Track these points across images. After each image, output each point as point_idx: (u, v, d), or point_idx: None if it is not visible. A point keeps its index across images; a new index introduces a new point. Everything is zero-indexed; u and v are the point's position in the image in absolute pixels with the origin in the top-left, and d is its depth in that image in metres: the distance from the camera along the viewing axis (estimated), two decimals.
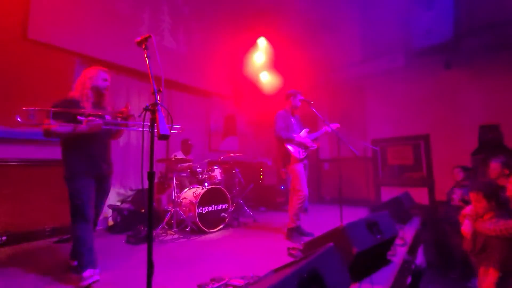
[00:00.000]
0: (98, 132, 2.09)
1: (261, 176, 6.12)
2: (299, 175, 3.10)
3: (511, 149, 4.21)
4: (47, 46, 3.64)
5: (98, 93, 2.23)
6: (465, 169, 4.09)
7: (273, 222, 4.10)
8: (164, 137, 1.13)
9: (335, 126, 3.29)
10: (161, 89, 1.25)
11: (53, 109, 1.97)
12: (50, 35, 3.64)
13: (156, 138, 1.20)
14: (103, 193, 2.31)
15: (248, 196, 5.17)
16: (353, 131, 5.89)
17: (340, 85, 6.25)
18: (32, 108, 1.91)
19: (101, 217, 3.88)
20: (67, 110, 2.01)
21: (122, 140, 4.38)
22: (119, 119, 2.22)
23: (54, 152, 2.90)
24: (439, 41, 4.42)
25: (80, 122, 2.00)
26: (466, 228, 2.42)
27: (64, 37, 3.76)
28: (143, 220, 3.66)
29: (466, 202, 3.75)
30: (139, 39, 1.46)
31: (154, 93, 1.24)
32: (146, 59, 1.40)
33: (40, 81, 3.53)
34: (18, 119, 1.91)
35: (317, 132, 3.40)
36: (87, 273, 1.99)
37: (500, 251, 2.09)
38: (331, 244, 1.48)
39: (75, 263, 2.17)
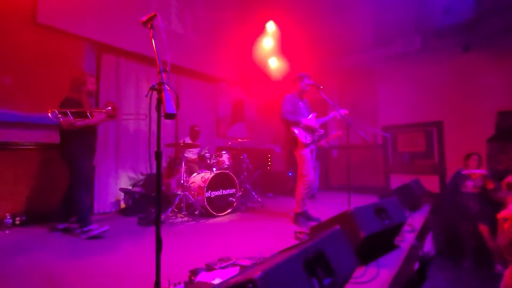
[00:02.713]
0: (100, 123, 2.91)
1: (269, 163, 6.14)
2: (305, 160, 3.08)
3: None
4: (57, 31, 3.64)
5: (90, 95, 2.98)
6: (479, 156, 3.96)
7: (281, 208, 4.13)
8: (170, 116, 1.12)
9: (343, 112, 3.22)
10: (167, 69, 1.24)
11: (73, 109, 2.68)
12: (60, 19, 3.63)
13: (163, 118, 1.19)
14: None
15: (256, 182, 5.21)
16: (364, 117, 5.76)
17: (351, 70, 6.07)
18: (56, 110, 2.63)
19: (113, 200, 4.04)
20: (82, 109, 2.78)
21: (132, 127, 4.44)
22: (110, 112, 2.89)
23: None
24: (459, 21, 4.17)
25: (87, 117, 2.78)
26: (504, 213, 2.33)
27: (73, 22, 3.75)
28: (154, 203, 3.76)
29: (478, 188, 3.67)
30: (144, 18, 1.44)
31: (160, 72, 1.23)
32: (152, 38, 1.37)
33: (50, 66, 3.57)
34: (50, 115, 2.57)
35: (325, 117, 3.34)
36: (94, 225, 2.69)
37: None
38: (337, 226, 1.48)
39: (60, 226, 2.89)
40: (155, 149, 1.31)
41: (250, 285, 0.86)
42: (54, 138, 3.56)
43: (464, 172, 3.55)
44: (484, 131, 4.40)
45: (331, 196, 5.16)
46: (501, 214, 2.45)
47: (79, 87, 2.87)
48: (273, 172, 5.90)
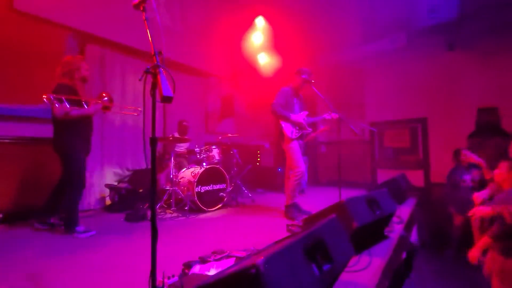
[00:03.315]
0: (96, 114, 2.69)
1: (259, 159, 6.13)
2: (293, 152, 3.09)
3: (508, 132, 4.25)
4: (36, 19, 3.44)
5: (83, 82, 2.74)
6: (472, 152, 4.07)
7: (272, 203, 4.13)
8: (167, 99, 1.07)
9: (335, 115, 3.23)
10: (162, 52, 1.19)
11: (68, 96, 2.46)
12: (39, 6, 3.43)
13: (158, 104, 1.14)
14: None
15: (245, 178, 5.18)
16: (352, 114, 5.86)
17: (340, 67, 6.15)
18: (52, 95, 2.37)
19: (98, 197, 3.89)
20: (78, 97, 2.56)
21: (118, 121, 4.28)
22: (106, 103, 2.71)
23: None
24: (443, 20, 4.32)
25: (82, 106, 2.54)
26: (479, 194, 2.44)
27: (54, 9, 3.55)
28: (141, 199, 3.66)
29: (475, 182, 3.80)
30: (136, 1, 1.37)
31: (154, 55, 1.17)
32: (145, 21, 1.31)
33: (28, 57, 3.37)
34: (45, 100, 2.34)
35: (316, 117, 3.34)
36: (81, 227, 2.53)
37: (499, 221, 2.13)
38: (334, 215, 1.48)
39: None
40: (147, 142, 1.25)
41: (253, 270, 0.84)
42: (33, 131, 3.39)
43: (464, 154, 3.58)
44: (466, 127, 4.60)
45: (320, 191, 5.22)
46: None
47: (72, 72, 2.60)
48: (262, 168, 5.90)
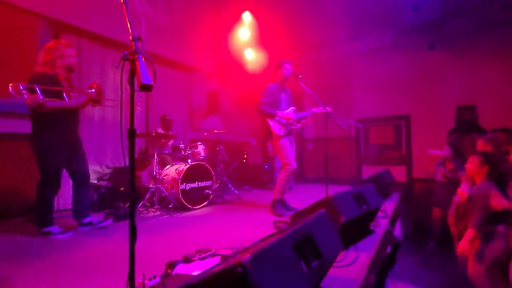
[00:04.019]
0: (78, 107, 2.42)
1: (245, 156, 6.06)
2: (283, 149, 3.06)
3: (485, 129, 4.42)
4: (5, 4, 3.19)
5: (69, 70, 2.45)
6: (454, 148, 4.18)
7: (258, 200, 4.09)
8: (146, 88, 0.99)
9: (328, 108, 3.20)
10: (142, 38, 1.09)
11: (43, 86, 2.18)
12: None
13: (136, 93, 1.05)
14: (80, 158, 2.58)
15: (232, 175, 5.11)
16: (338, 111, 5.90)
17: (327, 64, 6.18)
18: (22, 84, 2.11)
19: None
20: (57, 88, 2.28)
21: (97, 116, 4.08)
22: (93, 96, 2.47)
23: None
24: (427, 19, 4.42)
25: (62, 98, 2.29)
26: (463, 188, 2.50)
27: None
28: (122, 197, 3.50)
29: (447, 178, 3.93)
30: None
31: (133, 41, 1.07)
32: (123, 4, 1.21)
33: None
34: (10, 89, 2.05)
35: (304, 112, 3.31)
36: (55, 228, 2.37)
37: (477, 212, 2.19)
38: (323, 210, 1.45)
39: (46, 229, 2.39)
40: (127, 133, 1.15)
41: (240, 269, 0.78)
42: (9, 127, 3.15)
43: (429, 151, 3.74)
44: (446, 124, 4.74)
45: (307, 188, 5.24)
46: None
47: (54, 60, 2.32)
48: (249, 165, 5.84)
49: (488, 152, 2.63)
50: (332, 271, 1.64)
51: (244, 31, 6.14)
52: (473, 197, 2.29)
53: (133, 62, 1.02)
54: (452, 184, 3.86)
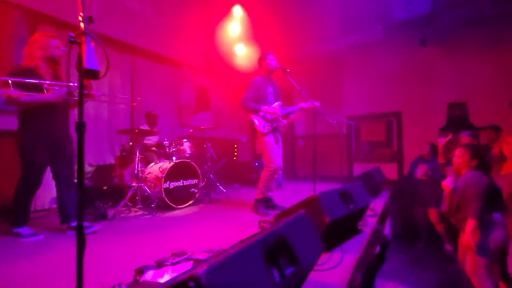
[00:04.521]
0: (60, 102, 2.22)
1: (236, 153, 5.95)
2: (268, 146, 2.93)
3: (475, 126, 4.38)
4: None
5: (53, 63, 2.29)
6: (432, 145, 4.18)
7: (247, 199, 3.97)
8: (91, 74, 0.86)
9: (317, 103, 3.09)
10: (93, 18, 0.96)
11: (16, 79, 2.01)
12: None
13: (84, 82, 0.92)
14: (65, 158, 2.43)
15: (221, 173, 4.99)
16: (329, 108, 5.82)
17: (318, 60, 6.08)
18: None
19: (54, 195, 3.52)
20: (30, 81, 2.06)
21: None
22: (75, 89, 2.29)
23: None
24: (418, 14, 4.34)
25: (42, 91, 2.11)
26: (447, 182, 2.42)
27: None
28: (104, 197, 3.36)
29: (428, 176, 3.88)
30: None
31: (83, 21, 0.95)
32: None
33: None
34: None
35: (291, 107, 3.18)
36: (25, 230, 2.25)
37: (475, 201, 2.12)
38: (302, 211, 1.35)
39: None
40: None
41: (192, 283, 0.67)
42: None
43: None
44: (438, 121, 4.70)
45: (297, 186, 5.15)
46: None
47: (33, 52, 2.20)
48: (239, 162, 5.73)
49: (476, 145, 2.56)
50: (314, 276, 1.55)
51: (235, 25, 5.99)
52: (466, 187, 2.21)
53: (79, 45, 0.88)
54: (433, 182, 3.82)
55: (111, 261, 1.79)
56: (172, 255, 1.67)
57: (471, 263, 2.19)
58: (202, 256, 1.59)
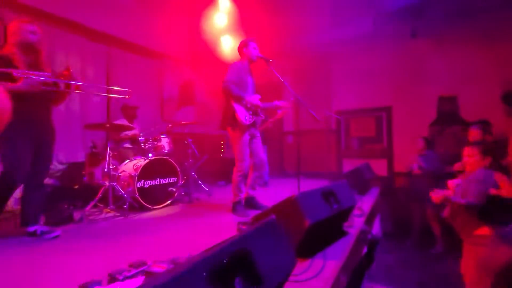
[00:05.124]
0: (36, 93, 2.04)
1: (222, 150, 5.72)
2: (240, 143, 2.69)
3: (467, 121, 4.27)
4: None
5: (30, 50, 2.11)
6: (426, 140, 4.05)
7: (230, 197, 3.77)
8: None
9: (290, 103, 2.90)
10: None
11: None
12: None
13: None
14: (44, 158, 2.27)
15: (206, 170, 4.77)
16: (318, 102, 5.65)
17: (306, 54, 5.87)
18: None
19: (18, 196, 3.24)
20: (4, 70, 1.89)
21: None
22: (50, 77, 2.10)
23: None
24: (408, 3, 4.17)
25: (15, 81, 1.93)
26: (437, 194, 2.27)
27: None
28: (73, 197, 3.10)
29: (422, 169, 3.76)
30: None
31: None
32: None
33: None
34: None
35: (269, 103, 2.94)
36: None
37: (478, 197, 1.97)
38: (272, 216, 1.15)
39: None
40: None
41: None
42: None
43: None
44: (428, 116, 4.58)
45: (285, 183, 4.97)
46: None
47: (8, 40, 2.09)
48: (225, 159, 5.51)
49: (486, 141, 2.40)
50: (290, 287, 1.37)
51: (221, 16, 5.71)
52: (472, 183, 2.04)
53: None
54: (428, 176, 3.71)
55: (56, 273, 1.56)
56: (130, 266, 1.46)
57: (473, 282, 2.01)
58: (160, 268, 1.38)
